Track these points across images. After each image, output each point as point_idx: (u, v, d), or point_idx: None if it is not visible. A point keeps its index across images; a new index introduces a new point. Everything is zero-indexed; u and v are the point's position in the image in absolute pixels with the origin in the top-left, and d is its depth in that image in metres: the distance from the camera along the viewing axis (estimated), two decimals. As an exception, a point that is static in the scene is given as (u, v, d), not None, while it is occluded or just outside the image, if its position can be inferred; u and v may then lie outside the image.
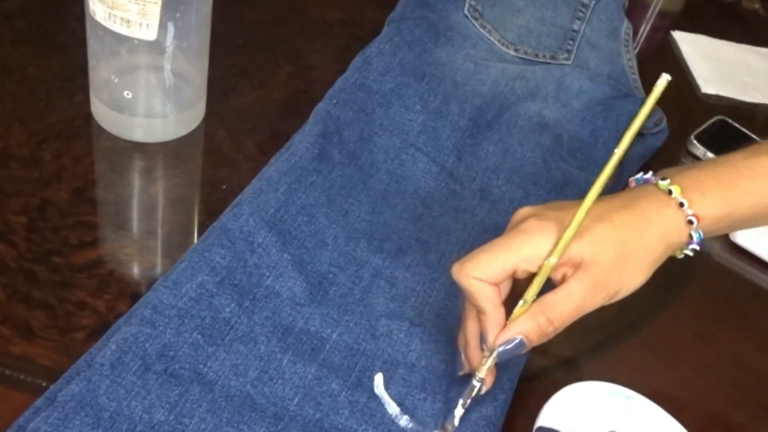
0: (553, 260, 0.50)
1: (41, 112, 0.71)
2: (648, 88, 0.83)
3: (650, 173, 0.54)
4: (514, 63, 0.82)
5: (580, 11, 0.85)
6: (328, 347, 0.57)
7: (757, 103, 0.89)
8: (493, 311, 0.51)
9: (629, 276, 0.51)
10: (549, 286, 0.51)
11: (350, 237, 0.63)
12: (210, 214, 0.64)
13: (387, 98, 0.74)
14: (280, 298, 0.58)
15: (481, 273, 0.50)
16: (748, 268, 0.71)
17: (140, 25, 0.62)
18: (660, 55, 0.93)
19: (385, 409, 0.54)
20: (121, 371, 0.51)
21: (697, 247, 0.53)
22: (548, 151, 0.73)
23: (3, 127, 0.69)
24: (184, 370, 0.53)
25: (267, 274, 0.59)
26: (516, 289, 0.52)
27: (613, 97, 0.80)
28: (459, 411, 0.53)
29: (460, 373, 0.55)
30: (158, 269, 0.62)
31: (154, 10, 0.62)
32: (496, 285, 0.51)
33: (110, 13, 0.62)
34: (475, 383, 0.52)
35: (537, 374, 0.60)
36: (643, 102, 0.50)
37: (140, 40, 0.64)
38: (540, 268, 0.50)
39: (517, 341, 0.50)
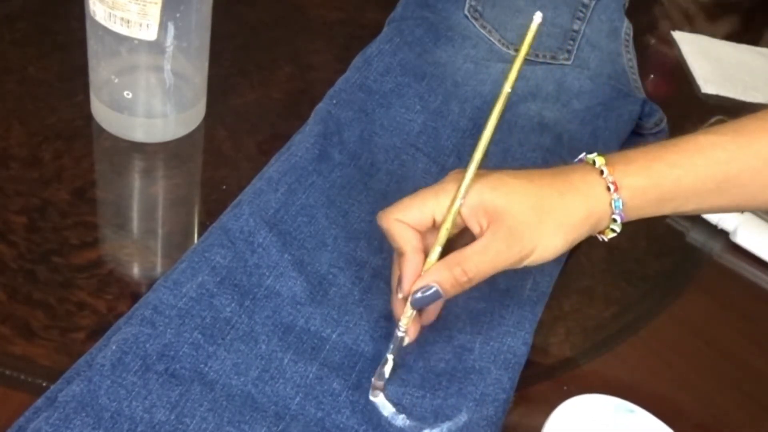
0: (458, 202, 0.51)
1: (41, 112, 0.71)
2: (648, 88, 0.84)
3: (584, 153, 0.55)
4: (515, 63, 0.82)
5: (581, 11, 0.85)
6: (328, 347, 0.57)
7: (757, 103, 0.89)
8: (412, 254, 0.52)
9: (546, 234, 0.52)
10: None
11: (350, 237, 0.63)
12: (210, 214, 0.64)
13: (387, 98, 0.74)
14: (281, 297, 0.58)
15: (402, 215, 0.52)
16: (748, 268, 0.71)
17: (140, 25, 0.62)
18: (660, 55, 0.93)
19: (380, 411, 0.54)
20: (121, 371, 0.51)
21: (618, 219, 0.53)
22: (548, 151, 0.73)
23: (3, 127, 0.69)
24: (184, 370, 0.53)
25: (267, 274, 0.59)
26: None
27: (614, 98, 0.80)
28: (389, 364, 0.54)
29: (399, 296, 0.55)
30: (158, 269, 0.62)
31: (154, 10, 0.62)
32: (418, 231, 0.52)
33: (110, 13, 0.62)
34: (399, 334, 0.53)
35: (537, 374, 0.60)
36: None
37: (140, 40, 0.64)
38: (448, 211, 0.51)
39: (432, 290, 0.51)
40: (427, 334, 0.58)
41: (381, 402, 0.54)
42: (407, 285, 0.52)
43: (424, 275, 0.52)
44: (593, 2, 0.86)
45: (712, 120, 0.83)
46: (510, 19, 0.85)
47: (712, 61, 0.93)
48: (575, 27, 0.85)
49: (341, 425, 0.53)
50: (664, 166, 0.53)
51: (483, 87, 0.79)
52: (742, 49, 0.96)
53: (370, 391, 0.54)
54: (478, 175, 0.52)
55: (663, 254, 0.71)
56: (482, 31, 0.84)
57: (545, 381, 0.60)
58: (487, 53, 0.82)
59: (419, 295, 0.51)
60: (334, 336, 0.57)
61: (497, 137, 0.74)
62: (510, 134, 0.74)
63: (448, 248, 0.53)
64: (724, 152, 0.53)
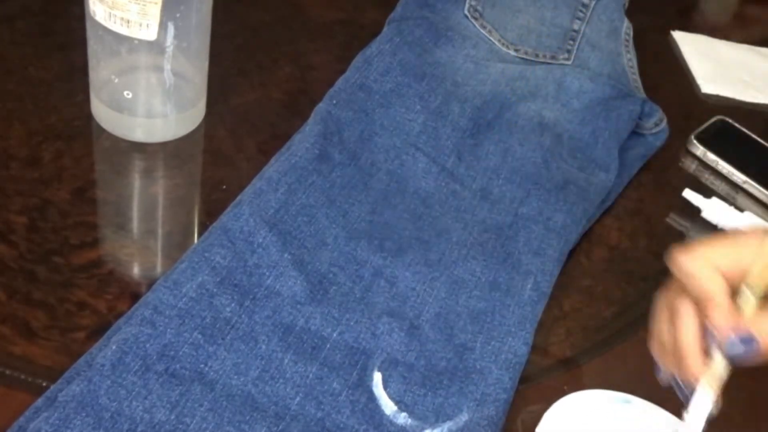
0: None
1: (41, 112, 0.71)
2: (649, 88, 0.84)
3: None
4: (515, 63, 0.82)
5: (581, 11, 0.85)
6: (328, 346, 0.57)
7: (757, 103, 0.89)
8: (723, 299, 0.44)
9: None
10: None
11: (350, 237, 0.63)
12: (210, 214, 0.64)
13: (387, 98, 0.74)
14: (281, 297, 0.58)
15: (711, 256, 0.45)
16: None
17: (140, 25, 0.63)
18: (660, 55, 0.93)
19: (382, 408, 0.54)
20: (121, 371, 0.51)
21: None
22: (549, 151, 0.73)
23: (3, 127, 0.69)
24: (185, 370, 0.53)
25: (267, 273, 0.59)
26: None
27: (614, 97, 0.80)
28: (689, 422, 0.46)
29: (665, 382, 0.48)
30: (158, 269, 0.62)
31: (154, 10, 0.62)
32: (726, 280, 0.45)
33: (110, 13, 0.62)
34: (705, 397, 0.44)
35: (537, 374, 0.60)
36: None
37: (140, 40, 0.64)
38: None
39: (754, 342, 0.44)
40: (429, 332, 0.59)
41: (384, 400, 0.54)
42: (723, 332, 0.44)
43: (753, 321, 0.44)
44: (593, 2, 0.86)
45: (713, 120, 0.83)
46: (510, 19, 0.85)
47: (712, 61, 0.92)
48: (575, 27, 0.85)
49: (341, 425, 0.53)
50: None
51: (483, 87, 0.79)
52: (742, 49, 0.96)
53: None
54: None
55: (663, 254, 0.71)
56: (482, 31, 0.84)
57: (545, 381, 0.60)
58: (487, 53, 0.82)
59: (734, 340, 0.44)
60: (334, 335, 0.57)
61: (497, 137, 0.75)
62: (510, 134, 0.74)
63: None
64: None
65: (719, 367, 0.45)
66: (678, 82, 0.90)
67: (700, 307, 0.46)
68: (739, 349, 0.44)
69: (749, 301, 0.45)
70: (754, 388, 0.62)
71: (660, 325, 0.48)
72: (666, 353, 0.48)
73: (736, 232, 0.47)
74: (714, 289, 0.45)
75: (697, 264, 0.46)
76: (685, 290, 0.47)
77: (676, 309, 0.47)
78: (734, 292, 0.46)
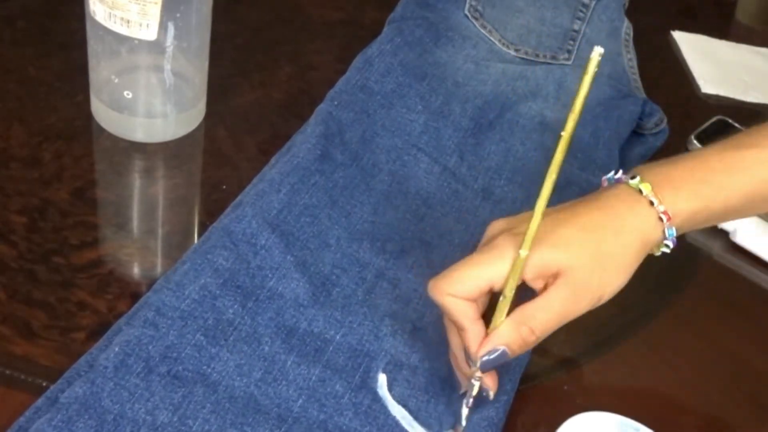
0: (524, 252, 0.48)
1: (41, 112, 0.71)
2: (649, 88, 0.84)
3: (620, 172, 0.54)
4: (515, 63, 0.82)
5: (581, 11, 0.85)
6: (331, 348, 0.57)
7: (757, 103, 0.89)
8: (472, 326, 0.50)
9: (610, 278, 0.51)
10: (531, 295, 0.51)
11: (353, 238, 0.63)
12: (210, 214, 0.64)
13: (388, 99, 0.74)
14: (284, 299, 0.58)
15: (456, 290, 0.50)
16: (748, 268, 0.71)
17: (140, 25, 0.62)
18: (660, 55, 0.93)
19: (389, 410, 0.54)
20: (124, 373, 0.51)
21: (671, 244, 0.53)
22: (550, 151, 0.73)
23: (3, 127, 0.69)
24: (187, 372, 0.53)
25: (270, 275, 0.59)
26: (494, 300, 0.52)
27: (614, 98, 0.80)
28: (464, 411, 0.53)
29: (461, 392, 0.54)
30: (158, 269, 0.62)
31: (154, 10, 0.62)
32: (473, 300, 0.50)
33: (110, 13, 0.62)
34: (474, 382, 0.52)
35: (537, 374, 0.60)
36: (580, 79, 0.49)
37: (140, 40, 0.63)
38: (512, 265, 0.49)
39: (499, 352, 0.50)
40: (432, 335, 0.58)
41: (390, 402, 0.54)
42: (474, 353, 0.50)
43: (491, 338, 0.50)
44: (593, 2, 0.86)
45: (713, 120, 0.83)
46: (510, 19, 0.85)
47: (712, 61, 0.93)
48: (575, 27, 0.85)
49: (344, 427, 0.53)
50: (712, 190, 0.53)
51: (484, 87, 0.79)
52: (742, 49, 0.96)
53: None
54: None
55: (663, 254, 0.71)
56: (482, 31, 0.84)
57: (545, 381, 0.60)
58: (487, 53, 0.82)
59: (486, 358, 0.50)
60: (337, 337, 0.57)
61: (498, 137, 0.75)
62: (511, 134, 0.74)
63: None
64: None
65: (478, 373, 0.51)
66: (678, 82, 0.90)
67: (460, 333, 0.51)
68: (493, 363, 0.50)
69: (504, 302, 0.50)
70: (754, 387, 0.62)
71: (449, 338, 0.54)
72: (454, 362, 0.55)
73: (486, 246, 0.51)
74: (461, 320, 0.50)
75: (444, 298, 0.50)
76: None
77: (448, 328, 0.54)
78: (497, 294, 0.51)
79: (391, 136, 0.72)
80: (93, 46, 0.67)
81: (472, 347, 0.50)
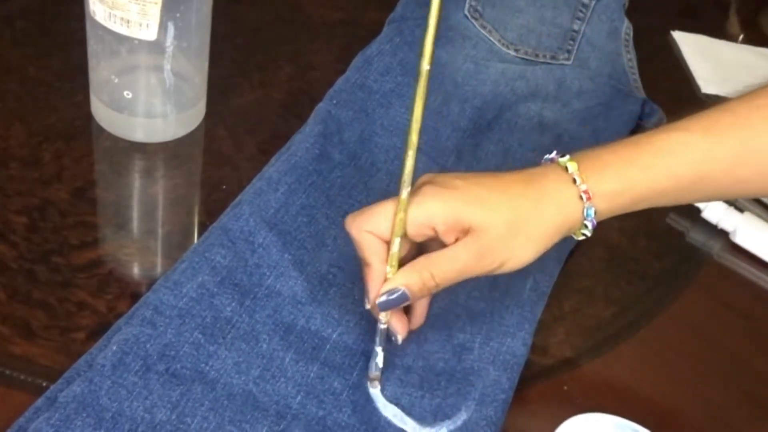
0: (404, 192, 0.50)
1: (41, 112, 0.71)
2: (649, 88, 0.84)
3: (554, 152, 0.55)
4: (515, 63, 0.82)
5: (581, 11, 0.85)
6: (329, 346, 0.57)
7: (757, 103, 0.89)
8: (378, 264, 0.52)
9: (519, 246, 0.52)
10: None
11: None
12: (210, 214, 0.64)
13: (387, 98, 0.74)
14: (281, 297, 0.58)
15: (371, 226, 0.52)
16: (748, 268, 0.71)
17: (140, 25, 0.62)
18: (660, 55, 0.93)
19: (380, 411, 0.54)
20: (122, 372, 0.51)
21: (590, 225, 0.53)
22: (549, 151, 0.73)
23: (3, 127, 0.69)
24: (185, 370, 0.53)
25: (268, 273, 0.59)
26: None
27: (614, 98, 0.80)
28: (379, 356, 0.54)
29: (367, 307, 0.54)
30: (158, 269, 0.62)
31: (154, 10, 0.62)
32: (385, 242, 0.52)
33: (110, 13, 0.62)
34: (381, 326, 0.54)
35: (537, 374, 0.60)
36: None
37: (140, 40, 0.63)
38: (397, 204, 0.51)
39: (399, 293, 0.51)
40: (427, 332, 0.58)
41: (383, 404, 0.54)
42: (373, 293, 0.52)
43: (393, 278, 0.52)
44: (593, 2, 0.86)
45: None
46: (510, 19, 0.85)
47: (712, 61, 0.93)
48: (575, 27, 0.85)
49: (342, 424, 0.53)
50: (637, 170, 0.53)
51: (483, 87, 0.79)
52: (742, 49, 0.96)
53: (368, 384, 0.55)
54: (452, 187, 0.52)
55: (663, 254, 0.71)
56: (482, 31, 0.84)
57: (545, 381, 0.60)
58: (487, 53, 0.82)
59: (384, 298, 0.52)
60: (334, 335, 0.57)
61: (497, 137, 0.75)
62: (510, 134, 0.74)
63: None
64: (696, 152, 0.53)
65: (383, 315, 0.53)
66: (678, 82, 0.90)
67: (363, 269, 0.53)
68: (391, 303, 0.52)
69: (395, 245, 0.51)
70: (754, 387, 0.62)
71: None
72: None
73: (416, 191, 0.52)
74: (369, 256, 0.52)
75: (360, 231, 0.52)
76: None
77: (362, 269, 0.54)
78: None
79: (390, 136, 0.72)
80: (93, 46, 0.67)
81: (372, 287, 0.52)
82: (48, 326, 0.56)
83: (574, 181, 0.52)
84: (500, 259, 0.52)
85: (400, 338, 0.55)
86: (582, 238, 0.54)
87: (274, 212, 0.63)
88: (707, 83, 0.89)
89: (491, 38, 0.84)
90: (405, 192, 0.50)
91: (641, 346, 0.64)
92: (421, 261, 0.52)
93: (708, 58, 0.93)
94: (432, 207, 0.51)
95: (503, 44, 0.84)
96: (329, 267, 0.61)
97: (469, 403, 0.55)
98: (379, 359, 0.55)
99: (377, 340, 0.54)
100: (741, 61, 0.94)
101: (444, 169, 0.70)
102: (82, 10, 0.65)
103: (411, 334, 0.58)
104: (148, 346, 0.53)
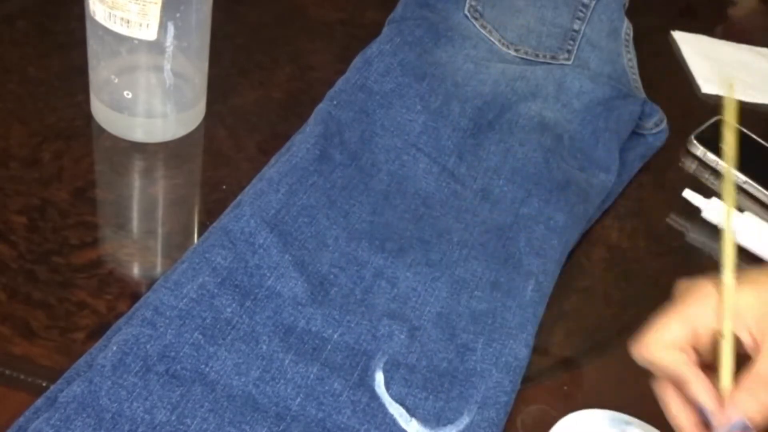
0: (728, 278, 0.46)
1: (41, 112, 0.71)
2: (649, 88, 0.84)
3: None
4: (515, 63, 0.82)
5: (581, 11, 0.85)
6: (329, 347, 0.57)
7: (757, 103, 0.89)
8: (695, 376, 0.45)
9: None
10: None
11: (351, 237, 0.63)
12: (210, 214, 0.64)
13: (388, 99, 0.74)
14: (282, 298, 0.58)
15: (663, 338, 0.46)
16: (748, 268, 0.71)
17: (140, 25, 0.62)
18: (660, 55, 0.93)
19: (387, 408, 0.54)
20: (122, 372, 0.51)
21: None
22: (549, 151, 0.73)
23: (3, 127, 0.69)
24: (185, 371, 0.53)
25: (268, 274, 0.59)
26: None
27: (614, 98, 0.80)
28: None
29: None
30: (158, 269, 0.62)
31: (154, 10, 0.62)
32: (683, 351, 0.46)
33: (110, 13, 0.62)
34: None
35: (537, 375, 0.60)
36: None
37: (140, 40, 0.63)
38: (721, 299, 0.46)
39: (741, 424, 0.44)
40: (431, 330, 0.59)
41: (389, 402, 0.54)
42: (712, 406, 0.44)
43: (730, 406, 0.44)
44: (593, 2, 0.86)
45: (713, 120, 0.83)
46: (510, 19, 0.85)
47: (712, 61, 0.93)
48: (575, 27, 0.85)
49: (342, 425, 0.53)
50: None
51: (483, 87, 0.79)
52: (742, 49, 0.96)
53: None
54: (754, 281, 0.47)
55: (663, 254, 0.71)
56: (482, 31, 0.84)
57: (545, 381, 0.60)
58: (487, 53, 0.82)
59: (726, 429, 0.44)
60: (335, 336, 0.57)
61: (498, 137, 0.75)
62: (510, 134, 0.74)
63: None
64: None
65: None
66: (678, 82, 0.90)
67: (680, 388, 0.46)
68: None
69: (726, 343, 0.46)
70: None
71: (667, 410, 0.48)
72: None
73: (682, 296, 0.48)
74: (681, 370, 0.46)
75: (654, 353, 0.46)
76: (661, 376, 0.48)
77: (662, 396, 0.48)
78: (708, 352, 0.47)
79: (390, 136, 0.72)
80: (93, 46, 0.67)
81: (707, 401, 0.44)
82: (48, 326, 0.56)
83: None
84: None
85: None
86: None
87: (275, 213, 0.63)
88: (707, 83, 0.89)
89: (491, 38, 0.84)
90: (729, 279, 0.46)
91: (641, 346, 0.64)
92: (752, 381, 0.44)
93: (708, 58, 0.93)
94: (709, 298, 0.46)
95: (503, 44, 0.84)
96: (330, 267, 0.61)
97: (471, 407, 0.55)
98: None
99: None
100: (741, 61, 0.94)
101: (444, 169, 0.70)
102: (82, 10, 0.65)
103: (415, 332, 0.58)
104: (148, 346, 0.53)
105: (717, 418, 0.44)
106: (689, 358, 0.46)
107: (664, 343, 0.46)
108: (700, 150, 0.80)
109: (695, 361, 0.46)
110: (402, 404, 0.55)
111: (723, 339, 0.45)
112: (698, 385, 0.45)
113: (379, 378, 0.56)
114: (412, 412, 0.54)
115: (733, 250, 0.46)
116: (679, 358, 0.46)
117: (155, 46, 0.64)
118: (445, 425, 0.54)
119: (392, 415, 0.54)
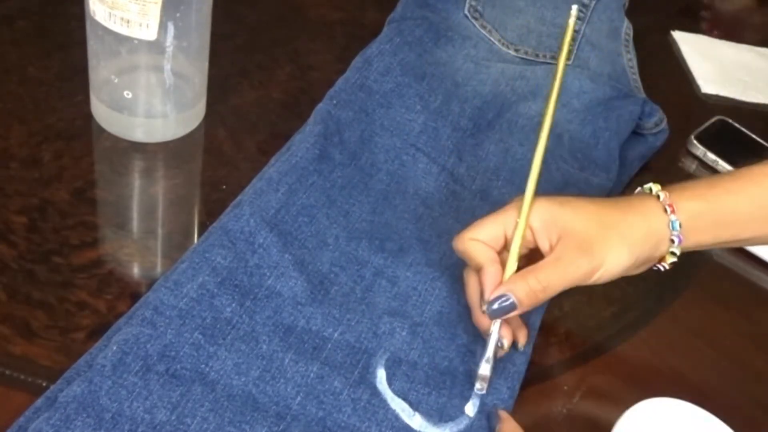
0: (526, 203, 0.54)
1: (41, 112, 0.71)
2: (649, 88, 0.84)
3: (639, 188, 0.58)
4: (515, 63, 0.82)
5: (581, 11, 0.85)
6: (330, 346, 0.57)
7: (757, 103, 0.89)
8: (490, 265, 0.55)
9: (613, 247, 0.54)
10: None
11: (351, 237, 0.63)
12: (210, 214, 0.64)
13: (387, 98, 0.74)
14: (282, 297, 0.58)
15: (476, 234, 0.56)
16: (748, 268, 0.71)
17: (140, 25, 0.62)
18: (660, 55, 0.93)
19: (388, 405, 0.54)
20: (122, 372, 0.51)
21: (676, 240, 0.55)
22: (549, 152, 0.72)
23: (3, 127, 0.69)
24: (185, 370, 0.53)
25: (268, 274, 0.59)
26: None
27: (614, 98, 0.80)
28: (483, 366, 0.54)
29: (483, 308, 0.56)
30: (158, 269, 0.62)
31: (154, 10, 0.62)
32: (493, 248, 0.55)
33: (110, 13, 0.62)
34: (491, 332, 0.54)
35: (537, 375, 0.60)
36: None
37: (140, 40, 0.63)
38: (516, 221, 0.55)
39: (509, 301, 0.53)
40: (433, 329, 0.59)
41: (391, 397, 0.54)
42: (488, 294, 0.54)
43: (501, 285, 0.54)
44: (593, 2, 0.86)
45: (713, 120, 0.83)
46: (510, 19, 0.85)
47: (712, 61, 0.93)
48: (575, 27, 0.85)
49: (342, 424, 0.53)
50: (719, 191, 0.56)
51: (483, 87, 0.79)
52: (742, 49, 0.96)
53: (477, 384, 0.55)
54: (544, 196, 0.56)
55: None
56: (482, 31, 0.84)
57: (545, 381, 0.60)
58: (487, 53, 0.82)
59: (496, 306, 0.53)
60: (335, 335, 0.57)
61: (497, 137, 0.75)
62: (510, 134, 0.74)
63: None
64: None
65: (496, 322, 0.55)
66: (678, 82, 0.90)
67: (476, 276, 0.56)
68: (500, 311, 0.54)
69: (511, 266, 0.55)
70: (754, 387, 0.62)
71: (466, 289, 0.58)
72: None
73: (504, 206, 0.57)
74: (482, 259, 0.55)
75: (467, 243, 0.56)
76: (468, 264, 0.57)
77: (467, 278, 0.58)
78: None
79: (390, 136, 0.72)
80: (93, 46, 0.67)
81: (488, 286, 0.54)
82: (48, 326, 0.56)
83: (658, 197, 0.56)
84: (599, 258, 0.54)
85: (506, 343, 0.55)
86: (672, 260, 0.57)
87: (275, 212, 0.63)
88: (707, 83, 0.89)
89: (491, 38, 0.84)
90: (531, 185, 0.55)
91: (641, 346, 0.64)
92: (526, 270, 0.54)
93: (708, 58, 0.93)
94: (547, 213, 0.55)
95: (503, 44, 0.84)
96: (330, 266, 0.61)
97: (470, 407, 0.55)
98: (483, 372, 0.55)
99: (486, 355, 0.54)
100: (741, 61, 0.94)
101: (444, 169, 0.70)
102: (82, 10, 0.65)
103: (418, 329, 0.58)
104: (148, 346, 0.53)
105: (488, 291, 0.54)
106: (493, 253, 0.55)
107: (476, 238, 0.56)
108: (700, 150, 0.80)
109: (497, 258, 0.55)
110: (405, 398, 0.55)
111: (515, 233, 0.55)
112: (489, 269, 0.55)
113: (381, 374, 0.56)
114: (415, 406, 0.54)
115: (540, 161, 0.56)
116: (483, 251, 0.55)
117: (155, 46, 0.64)
118: (447, 422, 0.54)
119: (393, 412, 0.54)
